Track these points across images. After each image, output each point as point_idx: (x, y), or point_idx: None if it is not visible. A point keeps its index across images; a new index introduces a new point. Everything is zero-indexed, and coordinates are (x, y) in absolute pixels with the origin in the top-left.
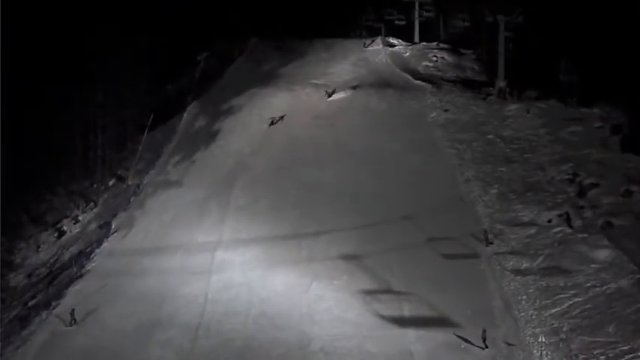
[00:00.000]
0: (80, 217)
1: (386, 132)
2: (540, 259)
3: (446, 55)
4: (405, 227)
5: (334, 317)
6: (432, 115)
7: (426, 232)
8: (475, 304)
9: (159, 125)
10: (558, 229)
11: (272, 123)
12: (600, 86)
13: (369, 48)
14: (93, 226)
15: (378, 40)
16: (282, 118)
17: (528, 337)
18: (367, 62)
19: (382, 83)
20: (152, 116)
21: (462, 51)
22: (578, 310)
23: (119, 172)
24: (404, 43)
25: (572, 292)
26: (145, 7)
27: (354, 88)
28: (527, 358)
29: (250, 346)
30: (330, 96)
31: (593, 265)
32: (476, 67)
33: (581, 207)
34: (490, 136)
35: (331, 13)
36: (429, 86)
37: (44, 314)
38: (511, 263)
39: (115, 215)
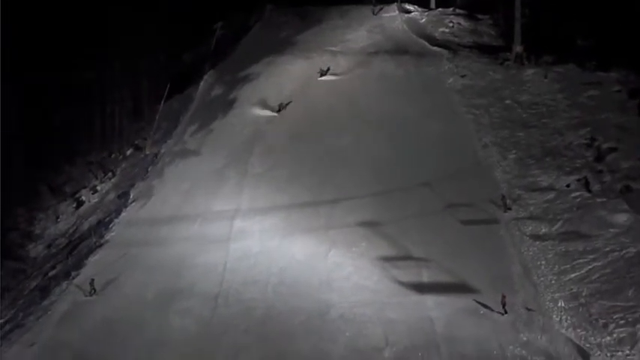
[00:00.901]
0: (98, 187)
1: (403, 98)
2: (559, 224)
3: (462, 21)
4: (423, 193)
5: (353, 284)
6: (449, 81)
7: (444, 199)
8: (494, 269)
9: (176, 94)
10: (577, 193)
11: (279, 109)
12: (618, 50)
13: (384, 15)
14: (111, 195)
15: (394, 6)
16: (288, 104)
17: (548, 302)
18: (383, 29)
19: (398, 50)
20: (169, 85)
21: (479, 16)
22: (597, 275)
23: (137, 142)
24: (420, 9)
25: (591, 256)
26: None
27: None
28: (546, 323)
29: (270, 315)
30: (322, 75)
31: (611, 230)
32: (492, 32)
33: (600, 171)
34: (507, 102)
35: None
36: (445, 52)
37: (64, 284)
38: (530, 228)
39: (133, 185)
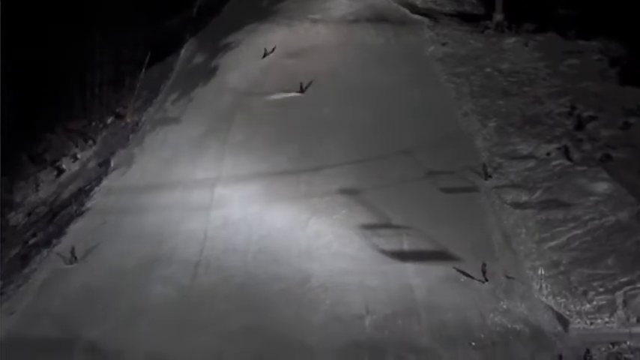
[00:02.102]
0: (79, 156)
1: (383, 67)
2: (539, 192)
3: None
4: (403, 161)
5: (333, 252)
6: (429, 49)
7: (425, 167)
8: (474, 237)
9: (156, 62)
10: (557, 162)
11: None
12: (599, 19)
13: None
14: (92, 163)
15: None
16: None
17: (528, 270)
18: None
19: (379, 18)
20: (149, 53)
21: None
22: (577, 243)
23: (117, 110)
24: None
25: (572, 224)
26: None
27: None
28: (526, 290)
29: (250, 283)
30: (265, 56)
31: (592, 198)
32: (474, 0)
33: (580, 140)
34: (488, 70)
35: None
36: (426, 20)
37: (45, 252)
38: (510, 197)
39: (113, 153)
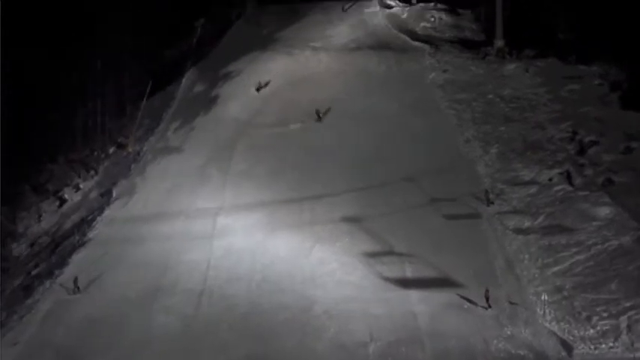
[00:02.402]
0: (81, 185)
1: (385, 94)
2: (542, 217)
3: (444, 16)
4: (406, 188)
5: (337, 280)
6: (430, 76)
7: (427, 193)
8: (477, 264)
9: (158, 92)
10: (559, 187)
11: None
12: (599, 44)
13: (366, 10)
14: (94, 193)
15: (375, 1)
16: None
17: (531, 296)
18: (365, 24)
19: (380, 45)
20: (151, 83)
21: (460, 11)
22: (580, 268)
23: (119, 140)
24: (401, 4)
25: (574, 249)
26: None
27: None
28: (530, 316)
29: (254, 311)
30: (259, 90)
31: (594, 223)
32: (474, 26)
33: (582, 165)
34: (489, 96)
35: None
36: (427, 47)
37: (47, 283)
38: (513, 222)
39: (115, 183)
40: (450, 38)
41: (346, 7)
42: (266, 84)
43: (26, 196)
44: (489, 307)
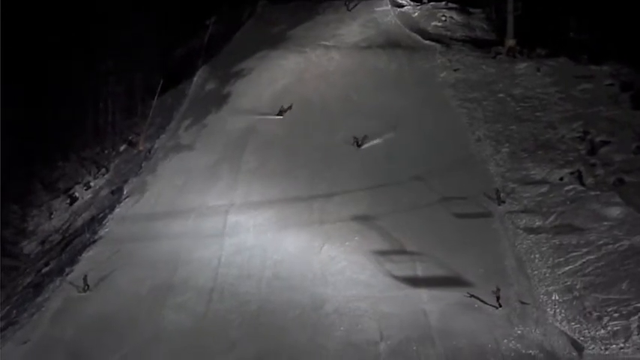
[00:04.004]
0: (92, 183)
1: (396, 92)
2: (553, 217)
3: (455, 15)
4: (416, 187)
5: (347, 278)
6: (441, 75)
7: (438, 192)
8: (488, 263)
9: (169, 90)
10: (570, 186)
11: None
12: (610, 43)
13: (377, 9)
14: (105, 191)
15: (386, 0)
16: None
17: (542, 296)
18: (376, 23)
19: (391, 44)
20: (162, 81)
21: (471, 10)
22: (591, 268)
23: (130, 138)
24: (412, 3)
25: (585, 249)
26: None
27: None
28: (540, 316)
29: (265, 309)
30: (280, 113)
31: (605, 223)
32: (485, 26)
33: (593, 164)
34: (500, 95)
35: None
36: (438, 46)
37: (58, 281)
38: (524, 222)
39: (126, 181)
40: (461, 37)
41: (350, 6)
42: (289, 107)
43: (37, 194)
44: (500, 306)
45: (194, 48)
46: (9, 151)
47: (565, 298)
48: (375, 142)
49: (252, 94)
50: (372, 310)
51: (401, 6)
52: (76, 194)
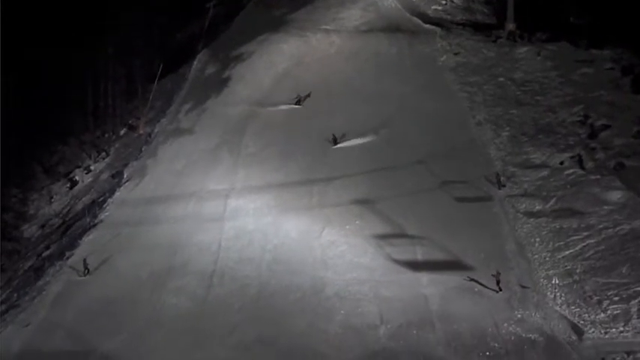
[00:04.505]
0: (92, 167)
1: (396, 76)
2: (553, 201)
3: None
4: (417, 171)
5: (347, 262)
6: (442, 59)
7: (439, 176)
8: (488, 247)
9: (169, 74)
10: (570, 170)
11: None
12: (611, 27)
13: None
14: (105, 175)
15: None
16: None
17: (542, 280)
18: (377, 7)
19: (392, 28)
20: (162, 65)
21: None
22: (591, 252)
23: (130, 122)
24: None
25: (585, 233)
26: None
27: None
28: (540, 300)
29: (265, 293)
30: (298, 102)
31: (605, 207)
32: (485, 10)
33: (593, 149)
34: (501, 79)
35: None
36: (438, 30)
37: (58, 265)
38: (524, 206)
39: (126, 164)
40: (461, 21)
41: None
42: (307, 95)
43: (37, 177)
44: (500, 290)
45: (194, 32)
46: (9, 136)
47: (565, 282)
48: (376, 126)
49: (252, 78)
50: (373, 293)
51: None
52: (77, 178)
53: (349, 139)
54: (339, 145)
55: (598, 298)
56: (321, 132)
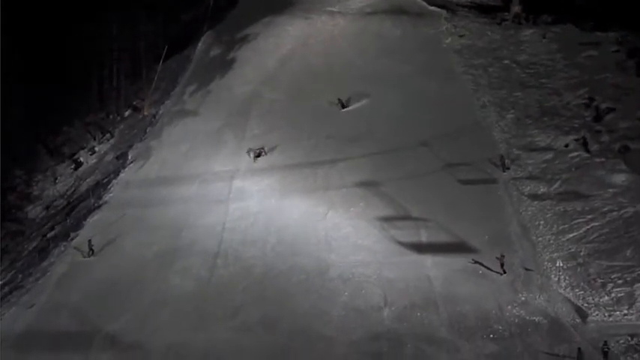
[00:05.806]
0: (97, 148)
1: (401, 58)
2: (557, 183)
3: None
4: (421, 153)
5: (352, 244)
6: (447, 41)
7: (443, 158)
8: (492, 229)
9: (174, 55)
10: (575, 153)
11: (343, 106)
12: (616, 10)
13: None
14: (109, 156)
15: None
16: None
17: (546, 262)
18: None
19: (396, 9)
20: (167, 46)
21: None
22: (595, 235)
23: (135, 103)
24: None
25: (590, 216)
26: None
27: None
28: (545, 282)
29: (269, 274)
30: (343, 107)
31: (610, 190)
32: None
33: (598, 131)
34: (506, 62)
35: None
36: (443, 12)
37: (62, 246)
38: (528, 188)
39: (131, 146)
40: (466, 3)
41: None
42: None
43: (42, 159)
44: (504, 272)
45: (199, 13)
46: (14, 117)
47: (569, 265)
48: (380, 107)
49: (256, 60)
50: (376, 275)
51: None
52: (81, 159)
53: (352, 121)
54: (342, 127)
55: (602, 280)
56: (323, 114)
